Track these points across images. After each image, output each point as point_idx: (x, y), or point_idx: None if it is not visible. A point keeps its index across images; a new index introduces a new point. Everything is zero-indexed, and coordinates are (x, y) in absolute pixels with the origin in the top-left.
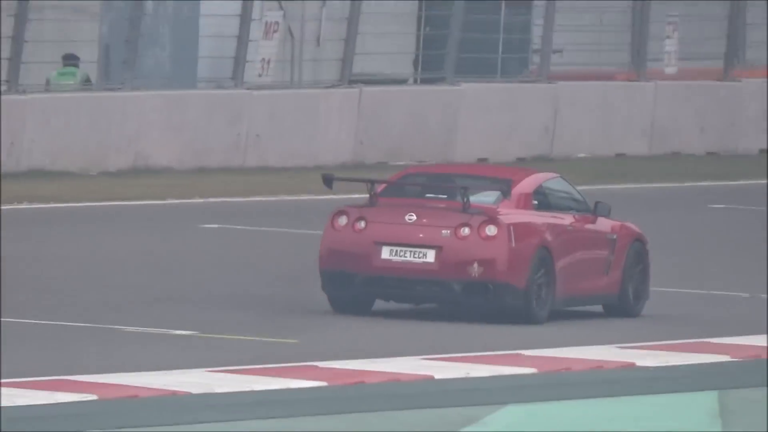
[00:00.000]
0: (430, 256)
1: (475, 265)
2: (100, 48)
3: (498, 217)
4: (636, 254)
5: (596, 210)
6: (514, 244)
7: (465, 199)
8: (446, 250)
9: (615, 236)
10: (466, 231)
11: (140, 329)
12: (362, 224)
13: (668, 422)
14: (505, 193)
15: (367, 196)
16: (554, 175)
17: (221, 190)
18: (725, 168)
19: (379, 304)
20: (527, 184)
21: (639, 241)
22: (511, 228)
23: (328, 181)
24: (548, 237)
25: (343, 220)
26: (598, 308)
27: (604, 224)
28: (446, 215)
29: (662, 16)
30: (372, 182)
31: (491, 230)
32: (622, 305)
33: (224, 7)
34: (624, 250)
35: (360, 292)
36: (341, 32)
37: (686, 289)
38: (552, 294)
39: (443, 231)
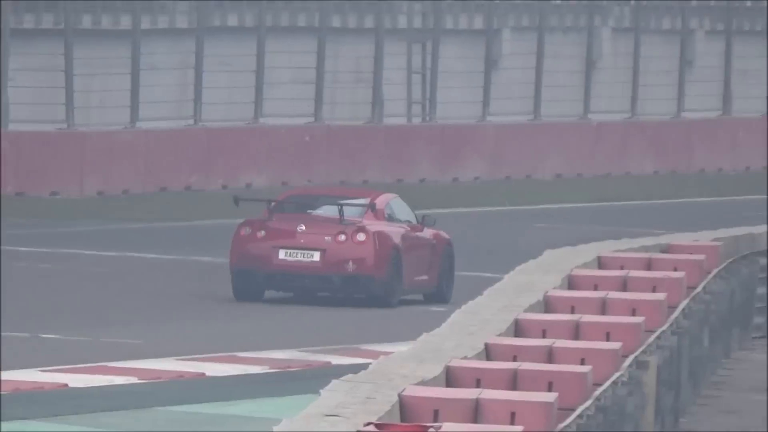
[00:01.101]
0: (316, 256)
1: (350, 262)
2: None
3: (365, 226)
4: (447, 255)
5: (423, 221)
6: (377, 247)
7: (341, 214)
8: (328, 252)
9: (435, 241)
10: (342, 237)
11: None
12: (263, 233)
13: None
14: (367, 209)
15: (266, 211)
16: (395, 195)
17: None
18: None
19: (270, 294)
20: (381, 201)
21: (449, 245)
22: (375, 235)
23: (236, 201)
24: (397, 241)
25: (247, 230)
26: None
27: (428, 233)
28: (327, 225)
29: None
30: (270, 201)
31: (361, 236)
32: (439, 293)
33: None
34: (440, 252)
35: (261, 284)
36: None
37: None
38: (401, 285)
39: (326, 237)
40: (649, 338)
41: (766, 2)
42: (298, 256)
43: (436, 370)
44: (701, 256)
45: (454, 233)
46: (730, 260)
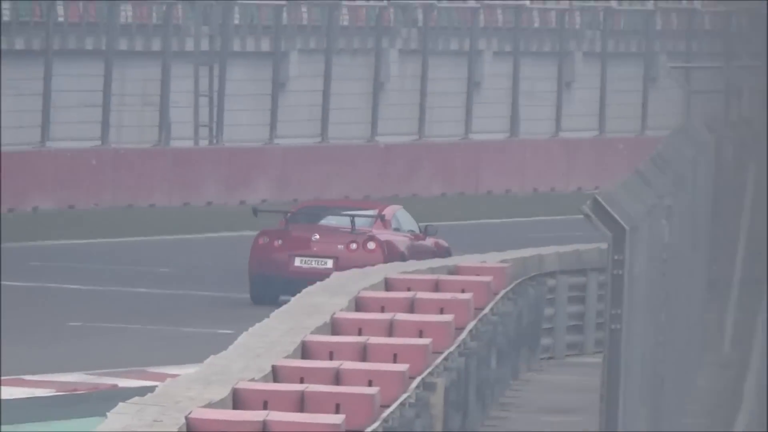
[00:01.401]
0: (330, 263)
1: None
2: None
3: (375, 235)
4: None
5: (426, 231)
6: (386, 254)
7: (352, 224)
8: (341, 259)
9: (435, 249)
10: (354, 246)
11: None
12: (280, 242)
13: None
14: (376, 220)
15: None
16: (400, 207)
17: None
18: None
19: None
20: (388, 212)
21: (447, 252)
22: (384, 243)
23: (255, 212)
24: (403, 249)
25: (264, 240)
26: None
27: (429, 241)
28: (340, 235)
29: None
30: (286, 212)
31: (371, 245)
32: None
33: None
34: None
35: (278, 289)
36: None
37: None
38: None
39: (338, 246)
40: (436, 360)
41: (555, 24)
42: (313, 264)
43: (223, 392)
44: (488, 278)
45: (242, 257)
46: (518, 281)
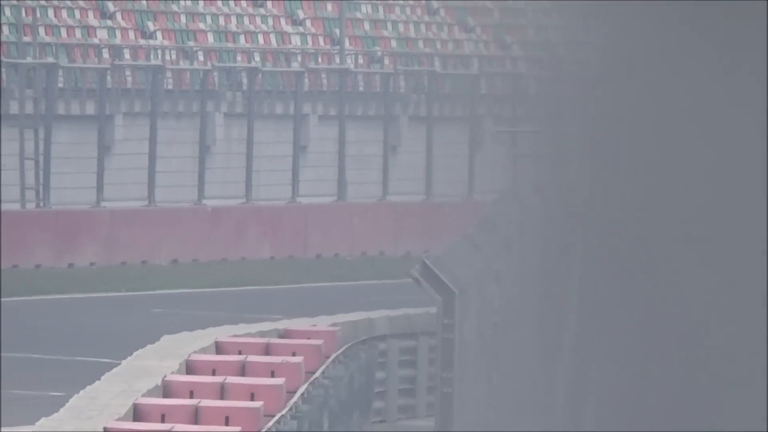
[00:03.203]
0: None
1: None
2: None
3: None
4: None
5: None
6: None
7: None
8: None
9: None
10: None
11: None
12: None
13: None
14: None
15: None
16: None
17: None
18: None
19: None
20: None
21: None
22: None
23: None
24: None
25: None
26: None
27: None
28: None
29: None
30: None
31: None
32: None
33: None
34: None
35: None
36: None
37: None
38: None
39: None
40: (269, 423)
41: (379, 88)
42: None
43: None
44: (319, 341)
45: (72, 319)
46: (349, 345)
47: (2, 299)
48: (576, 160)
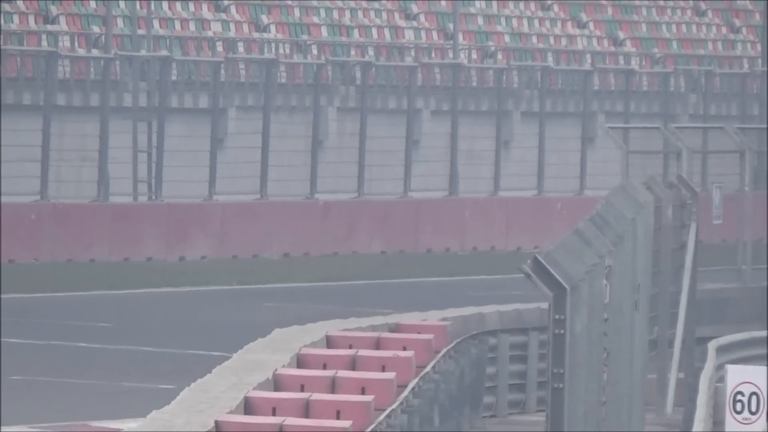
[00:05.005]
0: None
1: None
2: None
3: None
4: None
5: None
6: None
7: None
8: None
9: None
10: None
11: None
12: None
13: None
14: None
15: None
16: None
17: None
18: None
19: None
20: None
21: None
22: None
23: None
24: None
25: None
26: None
27: None
28: None
29: None
30: None
31: None
32: None
33: None
34: None
35: None
36: None
37: None
38: None
39: None
40: (379, 417)
41: (492, 84)
42: None
43: None
44: (430, 336)
45: (182, 312)
46: (459, 340)
47: (114, 292)
48: (688, 156)
